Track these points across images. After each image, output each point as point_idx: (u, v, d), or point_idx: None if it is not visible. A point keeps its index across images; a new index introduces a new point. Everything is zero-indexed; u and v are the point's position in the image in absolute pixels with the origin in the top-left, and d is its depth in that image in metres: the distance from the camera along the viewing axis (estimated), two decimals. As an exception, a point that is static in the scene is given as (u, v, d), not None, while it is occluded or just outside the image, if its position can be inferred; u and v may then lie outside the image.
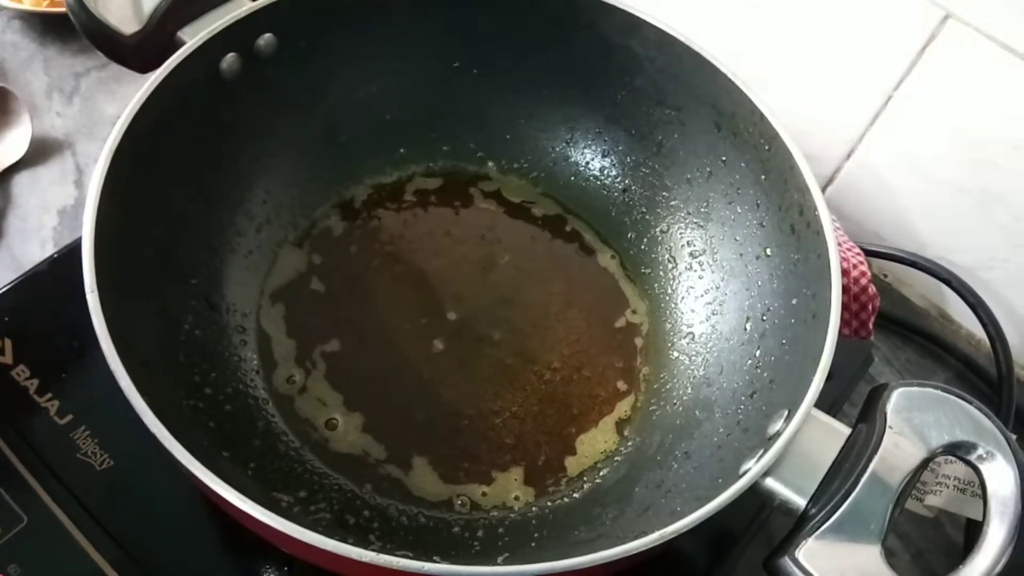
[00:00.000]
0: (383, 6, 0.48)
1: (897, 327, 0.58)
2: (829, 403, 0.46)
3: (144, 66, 0.42)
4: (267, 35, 0.44)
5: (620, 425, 0.46)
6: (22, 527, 0.39)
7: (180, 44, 0.41)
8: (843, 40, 0.53)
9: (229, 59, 0.43)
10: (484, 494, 0.43)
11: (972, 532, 0.48)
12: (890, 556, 0.33)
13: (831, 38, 0.54)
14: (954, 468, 0.41)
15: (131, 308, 0.36)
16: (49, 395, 0.43)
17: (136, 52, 0.42)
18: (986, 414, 0.35)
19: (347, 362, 0.46)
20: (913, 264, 0.56)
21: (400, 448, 0.43)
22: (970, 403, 0.35)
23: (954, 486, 0.42)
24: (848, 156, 0.57)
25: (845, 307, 0.38)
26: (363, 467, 0.43)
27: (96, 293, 0.33)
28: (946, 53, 0.49)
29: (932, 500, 0.42)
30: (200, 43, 0.41)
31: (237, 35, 0.43)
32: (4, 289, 0.46)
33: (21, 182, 0.57)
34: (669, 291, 0.50)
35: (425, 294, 0.49)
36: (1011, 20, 0.45)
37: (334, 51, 0.48)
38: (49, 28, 0.66)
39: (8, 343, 0.44)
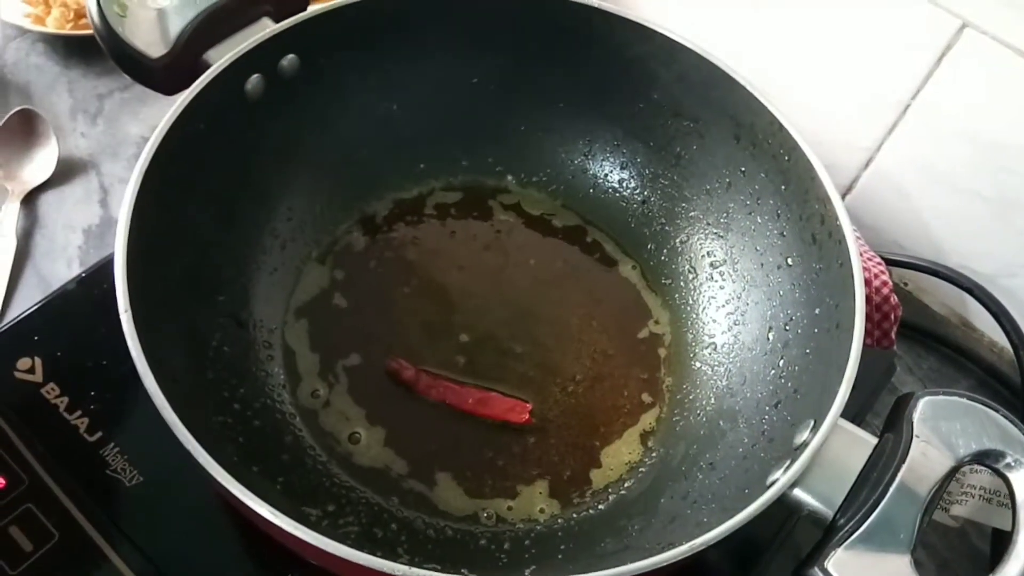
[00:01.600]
0: (402, 26, 0.49)
1: (919, 336, 0.58)
2: (852, 413, 0.46)
3: (170, 88, 0.43)
4: (290, 56, 0.45)
5: (644, 437, 0.46)
6: (54, 543, 0.40)
7: (205, 66, 0.42)
8: (860, 50, 0.53)
9: (254, 80, 0.44)
10: (510, 508, 0.43)
11: (998, 542, 0.47)
12: (916, 566, 0.33)
13: (848, 48, 0.54)
14: (980, 478, 0.41)
15: (161, 327, 0.37)
16: (79, 412, 0.43)
17: (162, 75, 0.43)
18: (1013, 422, 0.35)
19: (369, 376, 0.46)
20: (935, 273, 0.55)
21: (423, 463, 0.44)
22: (997, 411, 0.35)
23: (980, 495, 0.42)
24: (866, 165, 0.57)
25: (867, 317, 0.38)
26: (387, 481, 0.43)
27: (129, 313, 0.33)
28: (963, 62, 0.49)
29: (958, 510, 0.42)
30: (226, 65, 0.42)
31: (261, 57, 0.43)
32: (33, 309, 0.47)
33: (47, 202, 0.58)
34: (691, 302, 0.50)
35: (446, 307, 0.50)
36: (1029, 28, 0.46)
37: (355, 70, 0.49)
38: (73, 50, 0.67)
39: (38, 361, 0.45)
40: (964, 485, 0.41)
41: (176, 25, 0.43)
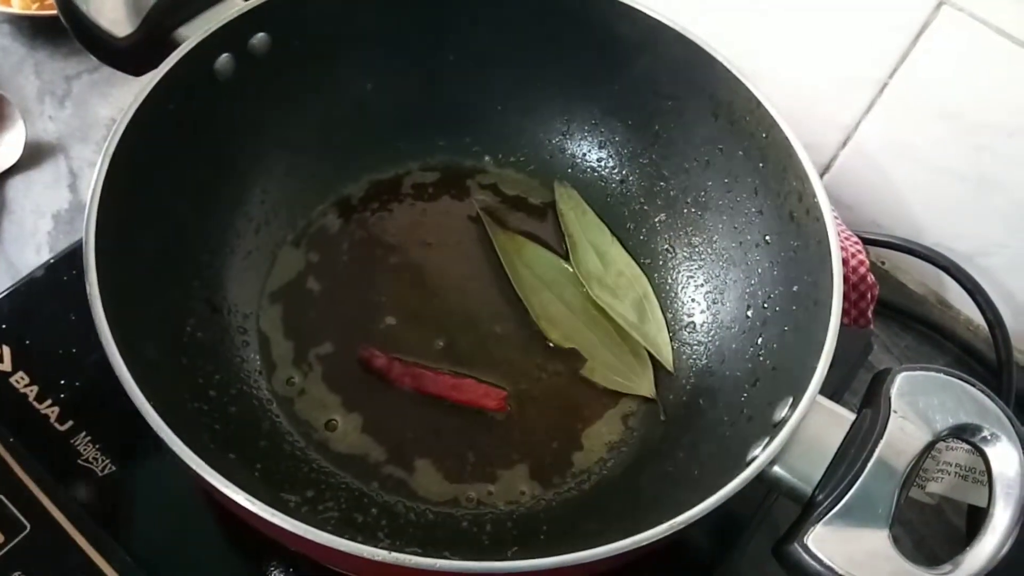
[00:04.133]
0: (375, 3, 0.48)
1: (896, 314, 0.58)
2: (831, 391, 0.46)
3: (137, 68, 0.42)
4: (260, 35, 0.44)
5: (625, 418, 0.46)
6: (25, 534, 0.39)
7: (173, 46, 0.41)
8: (838, 28, 0.53)
9: (223, 60, 0.43)
10: (490, 492, 0.43)
11: (974, 518, 0.48)
12: (894, 542, 0.33)
13: (826, 26, 0.54)
14: (955, 455, 0.42)
15: (133, 313, 0.36)
16: (49, 401, 0.43)
17: (129, 55, 0.42)
18: (990, 396, 0.35)
19: (343, 363, 0.46)
20: (911, 252, 0.56)
21: (401, 449, 0.43)
22: (973, 385, 0.35)
23: (955, 473, 0.42)
24: (844, 144, 0.57)
25: (844, 296, 0.38)
26: (366, 467, 0.43)
27: (100, 300, 0.33)
28: (941, 39, 0.49)
29: (934, 487, 0.42)
30: (194, 44, 0.41)
31: (230, 35, 0.42)
32: (1, 296, 0.46)
33: (15, 187, 0.57)
34: (669, 281, 0.50)
35: (423, 289, 0.49)
36: (1006, 6, 0.45)
37: (327, 49, 0.48)
38: (39, 31, 0.65)
39: (7, 350, 0.44)
40: (940, 462, 0.41)
41: (143, 4, 0.42)
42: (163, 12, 0.42)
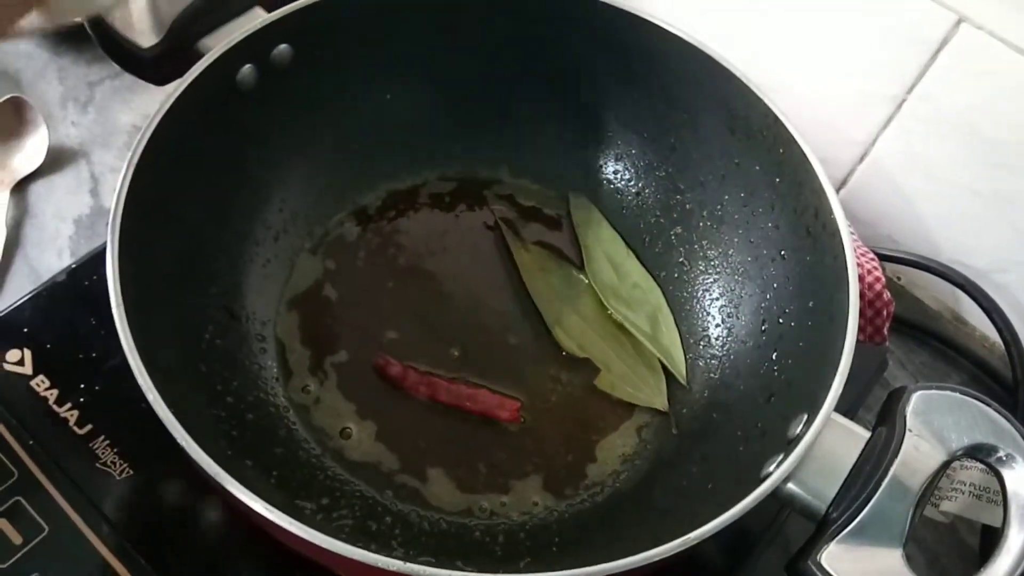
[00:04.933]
0: (396, 14, 0.48)
1: (911, 330, 0.58)
2: (845, 407, 0.46)
3: (162, 78, 0.43)
4: (282, 46, 0.44)
5: (639, 430, 0.46)
6: (43, 536, 0.39)
7: (197, 56, 0.41)
8: (856, 43, 0.53)
9: (245, 70, 0.43)
10: (503, 503, 0.43)
11: (988, 537, 0.48)
12: (907, 559, 0.33)
13: (845, 41, 0.54)
14: (970, 474, 0.41)
15: (153, 320, 0.36)
16: (68, 405, 0.43)
17: (154, 65, 0.43)
18: (1006, 416, 0.35)
19: (359, 371, 0.46)
20: (927, 268, 0.55)
21: (414, 458, 0.44)
22: (989, 405, 0.35)
23: (970, 492, 0.42)
24: (861, 159, 0.57)
25: (860, 313, 0.38)
26: (380, 475, 0.43)
27: (122, 307, 0.33)
28: (959, 57, 0.49)
29: (948, 506, 0.42)
30: (217, 55, 0.41)
31: (253, 47, 0.43)
32: (23, 300, 0.47)
33: (37, 191, 0.58)
34: (685, 294, 0.50)
35: (439, 299, 0.50)
36: (1025, 24, 0.45)
37: (347, 60, 0.48)
38: (63, 38, 0.66)
39: (28, 353, 0.45)
40: (954, 481, 0.41)
41: (167, 15, 0.42)
42: (187, 23, 0.42)
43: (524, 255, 0.51)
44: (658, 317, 0.50)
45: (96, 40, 0.42)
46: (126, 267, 0.35)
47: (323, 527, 0.30)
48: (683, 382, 0.47)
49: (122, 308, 0.33)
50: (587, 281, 0.51)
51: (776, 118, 0.43)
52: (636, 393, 0.47)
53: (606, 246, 0.52)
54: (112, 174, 0.59)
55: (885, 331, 0.48)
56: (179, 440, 0.31)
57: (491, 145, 0.54)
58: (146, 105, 0.63)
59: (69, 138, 0.61)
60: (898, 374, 0.56)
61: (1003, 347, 0.54)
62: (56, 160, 0.59)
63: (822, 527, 0.34)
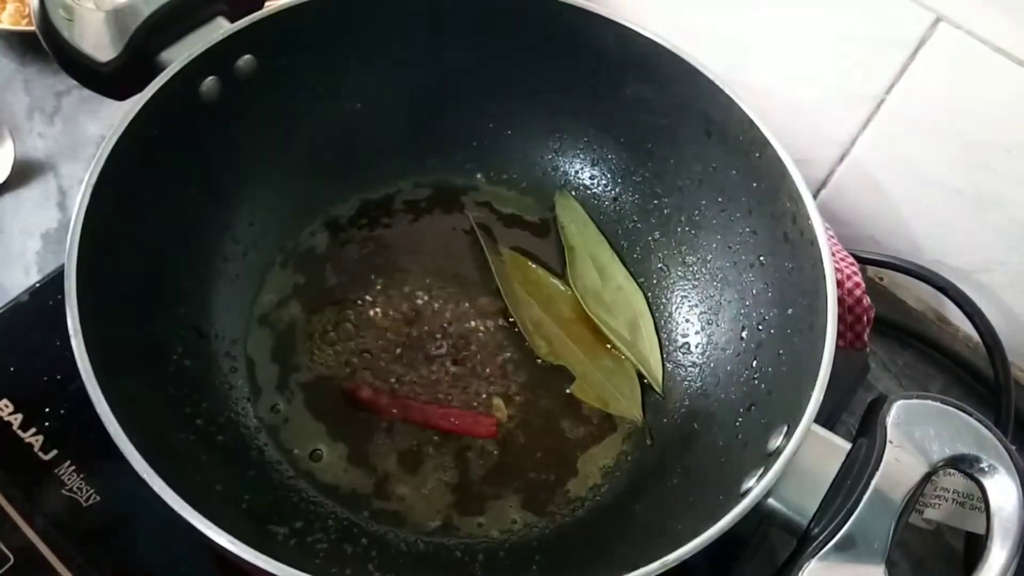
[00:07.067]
0: (361, 23, 0.47)
1: (894, 331, 0.58)
2: (827, 414, 0.45)
3: (121, 93, 0.42)
4: (246, 56, 0.43)
5: (619, 441, 0.46)
6: (9, 567, 0.39)
7: (158, 69, 0.40)
8: (835, 44, 0.53)
9: (209, 82, 0.42)
10: (480, 524, 0.42)
11: (972, 541, 0.47)
12: (891, 567, 0.32)
13: (823, 42, 0.53)
14: (953, 481, 0.41)
15: (117, 342, 0.35)
16: (33, 430, 0.42)
17: (113, 79, 0.41)
18: (987, 426, 0.34)
19: (329, 390, 0.45)
20: (909, 272, 0.55)
21: (389, 478, 0.43)
22: (970, 415, 0.35)
23: (953, 499, 0.42)
24: (841, 160, 0.57)
25: (839, 319, 0.37)
26: (354, 497, 0.42)
27: (81, 335, 0.32)
28: (938, 56, 0.48)
29: (931, 514, 0.41)
30: (179, 68, 0.40)
31: (216, 59, 0.42)
32: (-14, 320, 0.45)
33: (3, 206, 0.57)
34: (663, 300, 0.50)
35: (414, 311, 0.49)
36: (1002, 23, 0.45)
37: (314, 70, 0.47)
38: (29, 47, 0.64)
39: (-9, 377, 0.43)
40: (937, 488, 0.41)
41: (126, 28, 0.41)
42: (146, 36, 0.41)
43: (499, 262, 0.50)
44: (639, 323, 0.49)
45: (52, 54, 0.41)
46: (87, 290, 0.34)
47: (296, 553, 0.30)
48: (658, 390, 0.47)
49: (81, 337, 0.32)
50: (563, 288, 0.50)
51: (752, 122, 0.43)
52: (611, 402, 0.46)
53: (591, 247, 0.51)
54: (80, 187, 0.58)
55: (866, 337, 0.48)
56: (143, 475, 0.30)
57: (465, 152, 0.53)
58: (115, 116, 0.61)
59: (36, 150, 0.60)
60: (881, 376, 0.56)
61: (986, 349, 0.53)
62: (23, 173, 0.58)
63: (803, 544, 0.33)
